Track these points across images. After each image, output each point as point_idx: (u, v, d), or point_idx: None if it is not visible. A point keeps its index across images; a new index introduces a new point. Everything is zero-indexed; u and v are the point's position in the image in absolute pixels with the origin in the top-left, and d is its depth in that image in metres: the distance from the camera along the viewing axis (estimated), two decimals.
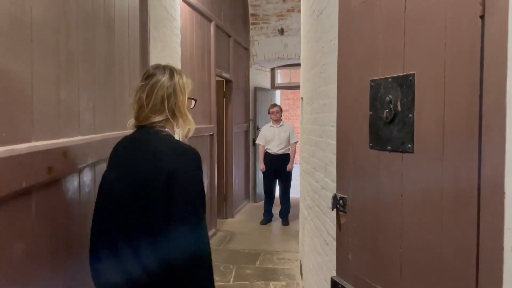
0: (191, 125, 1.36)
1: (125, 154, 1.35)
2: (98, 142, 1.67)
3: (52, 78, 1.32)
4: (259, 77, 7.44)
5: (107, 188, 1.35)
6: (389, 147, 1.11)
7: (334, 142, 1.96)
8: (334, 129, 1.96)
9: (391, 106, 1.10)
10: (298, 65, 8.09)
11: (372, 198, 1.19)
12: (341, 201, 1.36)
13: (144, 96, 1.29)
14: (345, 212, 1.34)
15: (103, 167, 1.49)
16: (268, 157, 5.60)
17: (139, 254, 1.24)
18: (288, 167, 5.55)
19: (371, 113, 1.20)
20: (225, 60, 5.61)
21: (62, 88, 1.38)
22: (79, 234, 1.49)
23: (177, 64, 3.56)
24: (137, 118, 1.33)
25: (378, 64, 1.16)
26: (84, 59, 1.59)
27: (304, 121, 3.07)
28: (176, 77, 1.33)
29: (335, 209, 1.41)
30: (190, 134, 1.37)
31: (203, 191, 1.29)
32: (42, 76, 1.25)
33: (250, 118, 7.04)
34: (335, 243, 1.95)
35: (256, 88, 7.15)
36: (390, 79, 1.11)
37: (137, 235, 1.25)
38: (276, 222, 5.76)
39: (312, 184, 2.65)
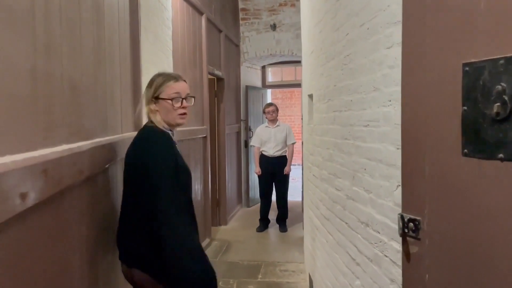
0: (157, 117, 1.60)
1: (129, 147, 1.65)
2: (87, 151, 1.31)
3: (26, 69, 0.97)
4: (250, 76, 7.12)
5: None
6: (501, 155, 0.81)
7: (368, 145, 1.66)
8: (368, 129, 1.66)
9: (506, 98, 0.79)
10: (290, 62, 7.90)
11: (469, 223, 0.88)
12: (411, 224, 1.05)
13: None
14: (418, 239, 1.03)
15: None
16: (264, 159, 5.29)
17: (131, 230, 1.55)
18: (286, 169, 5.24)
19: (465, 108, 0.89)
20: (217, 56, 5.27)
21: (39, 80, 1.03)
22: None
23: (168, 59, 3.21)
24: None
25: (477, 40, 0.86)
26: (69, 45, 1.24)
27: (315, 120, 2.77)
28: (155, 80, 1.63)
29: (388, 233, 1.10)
30: (178, 128, 1.71)
31: (172, 185, 1.46)
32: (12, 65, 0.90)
33: (242, 118, 6.71)
34: (371, 265, 1.64)
35: (247, 87, 6.82)
36: (501, 61, 0.80)
37: (129, 216, 1.58)
38: (273, 228, 5.44)
39: (330, 192, 2.34)
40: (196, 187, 4.25)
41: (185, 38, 3.86)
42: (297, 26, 6.33)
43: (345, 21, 1.94)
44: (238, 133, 6.56)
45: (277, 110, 5.32)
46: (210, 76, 5.18)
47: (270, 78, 7.76)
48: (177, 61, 3.56)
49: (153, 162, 1.46)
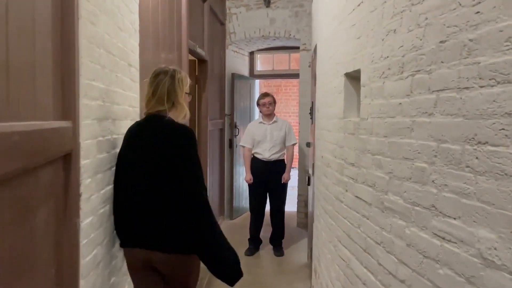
0: (186, 112, 1.86)
1: (136, 135, 1.81)
2: None
3: None
4: (235, 62, 6.09)
5: (121, 162, 1.81)
6: None
7: None
8: None
9: None
10: (284, 48, 6.85)
11: None
12: None
13: (152, 90, 1.81)
14: None
15: None
16: (256, 164, 4.27)
17: (152, 215, 1.72)
18: (284, 177, 4.24)
19: None
20: (199, 32, 4.21)
21: None
22: None
23: (132, 38, 2.19)
24: (146, 107, 1.84)
25: None
26: None
27: (364, 111, 1.77)
28: (177, 76, 1.83)
29: None
30: (186, 119, 1.91)
31: (199, 162, 1.75)
32: None
33: (227, 113, 5.67)
34: None
35: (234, 75, 5.78)
36: None
37: (150, 201, 1.72)
38: (266, 251, 4.44)
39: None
40: None
41: (158, 9, 2.81)
42: (296, 2, 5.33)
43: None
44: (222, 131, 5.51)
45: (275, 102, 4.32)
46: (190, 57, 4.13)
47: (259, 67, 6.74)
48: (146, 39, 2.52)
49: (190, 153, 1.71)
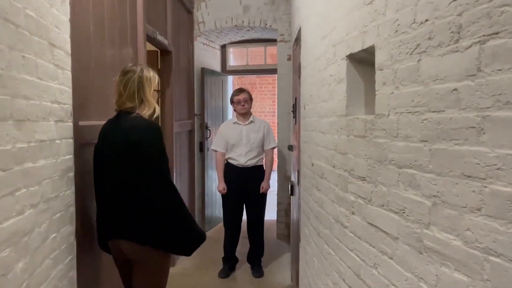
0: (154, 109, 1.91)
1: (107, 131, 1.89)
2: None
3: None
4: (206, 56, 5.52)
5: (96, 159, 1.91)
6: None
7: None
8: None
9: None
10: (259, 41, 6.29)
11: None
12: None
13: (121, 88, 1.87)
14: None
15: None
16: (231, 171, 3.72)
17: (119, 206, 1.81)
18: (263, 186, 3.71)
19: None
20: (161, 18, 3.62)
21: None
22: None
23: (59, 7, 1.61)
24: (116, 104, 1.90)
25: None
26: None
27: (387, 103, 1.25)
28: (145, 74, 1.89)
29: None
30: (154, 116, 1.94)
31: (165, 153, 1.84)
32: None
33: (196, 112, 5.09)
34: None
35: (204, 70, 5.21)
36: None
37: (118, 193, 1.81)
38: (243, 270, 3.89)
39: None
40: None
41: None
42: None
43: None
44: (191, 132, 4.93)
45: (251, 99, 3.78)
46: (150, 48, 3.55)
47: (231, 62, 6.20)
48: (82, 28, 1.95)
49: (154, 144, 1.79)
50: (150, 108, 1.90)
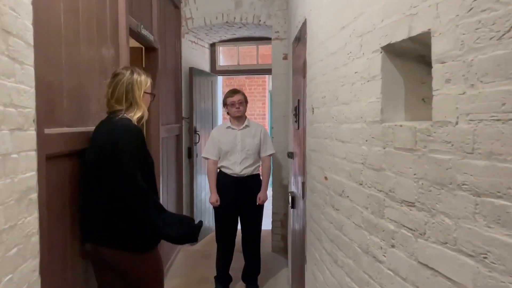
0: (142, 113, 1.90)
1: (95, 133, 1.89)
2: None
3: None
4: (194, 55, 5.18)
5: (84, 165, 1.88)
6: None
7: None
8: None
9: None
10: (251, 39, 5.90)
11: None
12: None
13: (110, 90, 1.88)
14: None
15: None
16: (224, 181, 3.39)
17: (98, 210, 1.81)
18: (260, 197, 3.39)
19: None
20: (145, 13, 3.28)
21: None
22: None
23: (23, 9, 1.26)
24: (107, 107, 1.92)
25: None
26: None
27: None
28: (135, 76, 1.88)
29: None
30: (145, 119, 1.96)
31: (137, 157, 1.79)
32: None
33: (184, 116, 4.75)
34: None
35: (192, 71, 4.87)
36: None
37: (95, 194, 1.81)
38: None
39: None
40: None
41: None
42: None
43: None
44: (179, 137, 4.58)
45: (246, 101, 3.46)
46: (134, 45, 3.21)
47: (221, 61, 5.87)
48: (51, 16, 1.61)
49: (126, 146, 1.77)
50: (139, 111, 1.89)
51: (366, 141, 1.39)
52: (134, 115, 1.86)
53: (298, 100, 2.81)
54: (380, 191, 1.28)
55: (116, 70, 1.97)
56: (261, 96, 9.27)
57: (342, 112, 1.65)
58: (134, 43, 3.28)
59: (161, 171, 3.66)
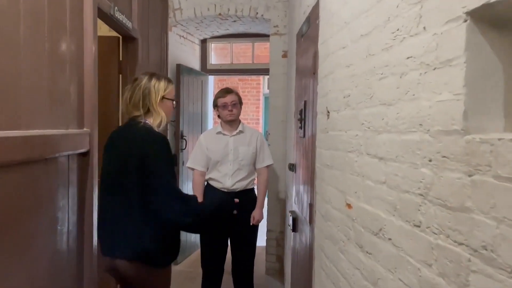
0: (161, 119, 1.85)
1: (113, 140, 1.91)
2: None
3: None
4: (182, 51, 4.70)
5: (103, 170, 1.88)
6: None
7: None
8: None
9: None
10: (246, 36, 5.41)
11: None
12: None
13: (129, 95, 1.90)
14: None
15: None
16: (212, 196, 2.89)
17: (122, 221, 1.77)
18: (255, 216, 2.90)
19: None
20: None
21: None
22: None
23: None
24: (126, 112, 1.93)
25: None
26: None
27: None
28: (153, 82, 1.87)
29: None
30: (162, 126, 1.87)
31: (172, 167, 1.85)
32: None
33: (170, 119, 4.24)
34: None
35: (180, 68, 4.38)
36: None
37: (119, 208, 1.77)
38: None
39: None
40: (63, 246, 1.79)
41: None
42: None
43: None
44: None
45: (241, 102, 2.97)
46: (108, 33, 2.72)
47: (213, 59, 5.38)
48: None
49: (157, 155, 1.77)
50: (157, 118, 1.85)
51: (430, 161, 0.91)
52: (154, 121, 1.84)
53: (305, 102, 2.33)
54: (461, 244, 0.80)
55: (137, 75, 2.01)
56: (255, 99, 8.80)
57: (380, 116, 1.17)
58: (108, 31, 2.79)
59: None
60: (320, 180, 1.89)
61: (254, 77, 9.08)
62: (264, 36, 4.91)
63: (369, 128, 1.25)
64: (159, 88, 1.87)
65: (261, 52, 5.96)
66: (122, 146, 1.82)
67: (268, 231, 4.17)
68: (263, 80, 9.35)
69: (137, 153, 1.74)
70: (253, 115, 8.80)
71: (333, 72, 1.66)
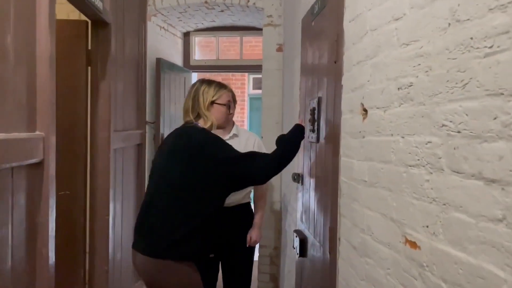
0: (211, 123, 1.91)
1: (168, 141, 1.94)
2: None
3: None
4: (163, 44, 4.22)
5: (155, 169, 1.91)
6: None
7: None
8: None
9: None
10: (236, 29, 4.92)
11: None
12: None
13: (185, 101, 2.01)
14: None
15: None
16: None
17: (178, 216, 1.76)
18: (252, 236, 2.46)
19: None
20: None
21: None
22: None
23: None
24: (183, 118, 2.01)
25: None
26: None
27: None
28: (202, 87, 1.97)
29: None
30: (213, 128, 1.93)
31: (228, 147, 1.85)
32: None
33: (148, 120, 3.76)
34: None
35: (160, 62, 3.91)
36: None
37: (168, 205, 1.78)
38: None
39: None
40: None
41: None
42: None
43: None
44: (141, 147, 3.57)
45: (235, 101, 2.51)
46: (72, 16, 2.25)
47: (197, 55, 4.92)
48: None
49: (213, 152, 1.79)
50: (207, 122, 1.91)
51: None
52: (205, 125, 1.90)
53: (319, 99, 1.90)
54: None
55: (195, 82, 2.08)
56: (239, 100, 8.33)
57: (487, 112, 0.75)
58: (71, 13, 2.31)
59: (111, 193, 2.68)
60: (348, 199, 1.47)
61: (238, 76, 8.66)
62: (254, 30, 4.49)
63: (459, 132, 0.83)
64: (208, 92, 1.95)
65: (249, 48, 5.54)
66: (175, 140, 1.87)
67: (261, 247, 3.72)
68: (248, 79, 8.93)
69: (191, 143, 1.79)
70: (237, 117, 8.37)
71: (375, 56, 1.24)
